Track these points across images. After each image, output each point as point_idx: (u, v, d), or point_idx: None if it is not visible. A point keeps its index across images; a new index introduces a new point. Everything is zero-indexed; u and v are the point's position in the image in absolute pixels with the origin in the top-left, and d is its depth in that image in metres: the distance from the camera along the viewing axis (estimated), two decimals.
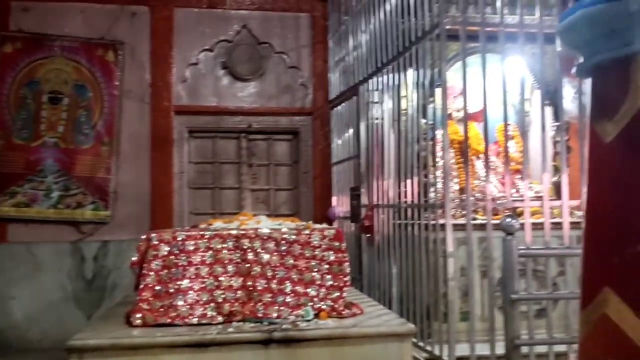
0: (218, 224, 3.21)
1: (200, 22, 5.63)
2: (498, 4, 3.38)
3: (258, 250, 2.92)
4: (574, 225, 3.29)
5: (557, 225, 3.30)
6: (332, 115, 5.48)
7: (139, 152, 5.42)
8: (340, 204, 5.14)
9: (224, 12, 5.67)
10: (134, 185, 5.39)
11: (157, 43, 5.51)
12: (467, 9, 3.42)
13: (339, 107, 5.26)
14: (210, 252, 2.90)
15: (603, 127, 0.98)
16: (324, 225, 3.19)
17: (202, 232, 2.93)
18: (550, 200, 3.42)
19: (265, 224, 3.13)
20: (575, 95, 4.25)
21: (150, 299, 2.78)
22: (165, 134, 5.50)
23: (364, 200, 4.48)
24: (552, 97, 3.95)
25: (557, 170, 4.08)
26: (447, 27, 3.31)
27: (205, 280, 2.86)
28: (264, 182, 5.78)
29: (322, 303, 2.90)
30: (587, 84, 3.18)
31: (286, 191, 5.78)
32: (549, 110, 4.06)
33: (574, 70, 1.07)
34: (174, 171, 5.52)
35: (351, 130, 4.90)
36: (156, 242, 2.86)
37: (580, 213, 3.37)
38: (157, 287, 2.81)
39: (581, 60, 1.03)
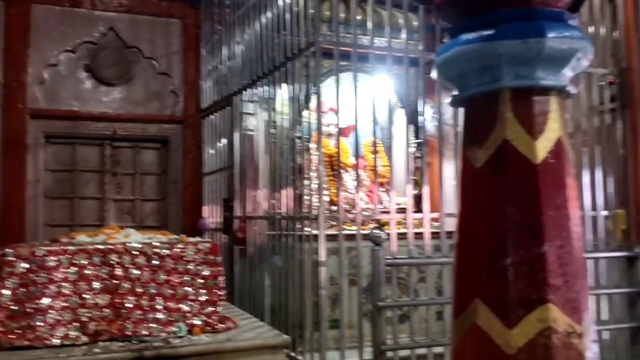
0: (82, 237, 3.01)
1: (61, 21, 5.26)
2: (369, 26, 3.57)
3: (127, 266, 2.78)
4: (434, 235, 3.55)
5: (419, 235, 3.53)
6: (204, 125, 5.40)
7: None
8: (211, 216, 5.06)
9: (89, 12, 5.35)
10: None
11: (11, 40, 5.05)
12: (339, 29, 3.56)
13: (212, 117, 5.20)
14: (74, 268, 2.71)
15: (474, 153, 1.08)
16: (198, 239, 3.13)
17: (64, 247, 2.73)
18: (413, 212, 3.66)
19: (135, 238, 2.99)
20: (434, 116, 4.60)
21: (4, 320, 2.53)
22: (18, 138, 5.05)
23: (237, 211, 4.46)
24: (413, 116, 4.23)
25: (417, 184, 4.38)
26: (321, 45, 3.43)
27: (68, 298, 2.66)
28: (129, 192, 5.52)
29: (196, 318, 2.84)
30: (446, 107, 3.45)
31: (153, 202, 5.57)
32: (410, 128, 4.34)
33: (449, 100, 1.17)
34: (27, 179, 5.08)
35: (224, 141, 4.86)
36: (12, 258, 2.61)
37: (437, 224, 3.64)
38: (13, 307, 2.57)
39: (455, 92, 1.13)
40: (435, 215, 3.56)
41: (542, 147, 1.02)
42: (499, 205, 1.04)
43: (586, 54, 1.02)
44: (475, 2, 1.03)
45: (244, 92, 4.50)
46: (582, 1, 1.05)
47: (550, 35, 0.98)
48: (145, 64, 5.48)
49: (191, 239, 3.09)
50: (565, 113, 1.08)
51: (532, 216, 1.00)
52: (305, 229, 3.52)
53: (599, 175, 3.71)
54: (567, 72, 1.03)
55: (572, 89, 1.05)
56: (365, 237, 3.23)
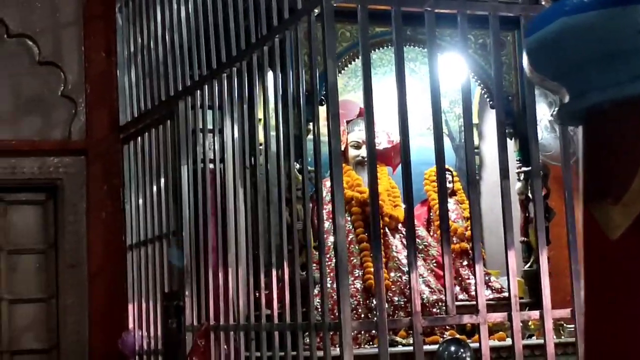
0: None
1: None
2: None
3: None
4: (565, 350, 3.52)
5: (538, 351, 3.50)
6: (125, 155, 5.47)
7: None
8: (143, 326, 5.09)
9: None
10: None
11: None
12: None
13: (140, 140, 5.26)
14: None
15: (605, 213, 1.09)
16: None
17: None
18: (521, 305, 3.63)
19: None
20: (552, 119, 4.59)
21: None
22: None
23: (191, 316, 4.48)
24: (516, 123, 4.24)
25: (530, 249, 4.34)
26: (334, 3, 3.48)
27: None
28: None
29: None
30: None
31: (33, 304, 5.61)
32: (511, 145, 4.33)
33: (554, 111, 1.20)
34: None
35: (164, 183, 4.92)
36: None
37: (571, 328, 3.62)
38: None
39: (565, 98, 1.16)
40: (565, 312, 3.54)
41: None
42: None
43: None
44: None
45: (195, 91, 4.56)
46: None
47: None
48: (14, 47, 5.58)
49: None
50: None
51: None
52: (317, 346, 3.53)
53: None
54: None
55: None
56: (432, 358, 3.19)
